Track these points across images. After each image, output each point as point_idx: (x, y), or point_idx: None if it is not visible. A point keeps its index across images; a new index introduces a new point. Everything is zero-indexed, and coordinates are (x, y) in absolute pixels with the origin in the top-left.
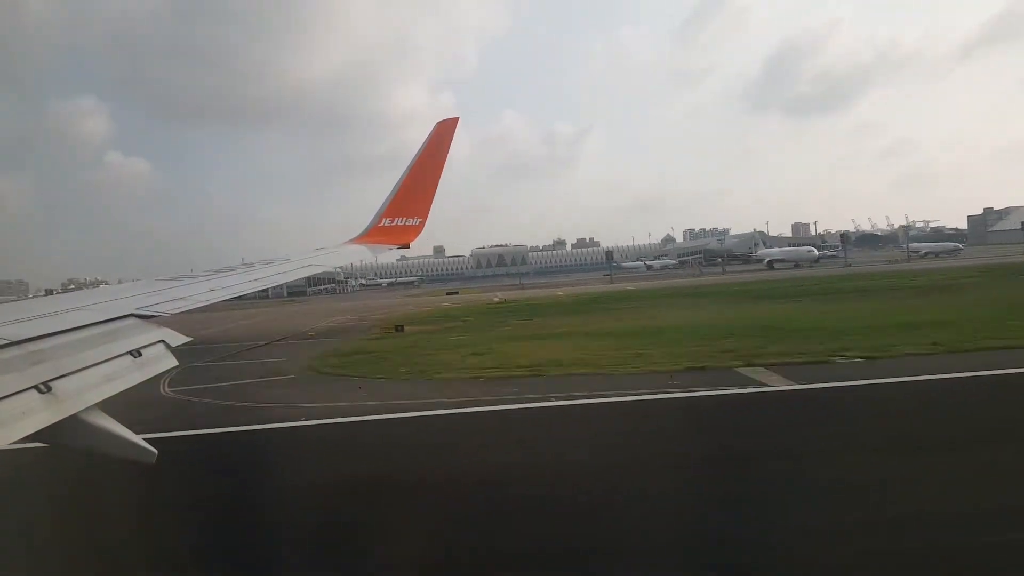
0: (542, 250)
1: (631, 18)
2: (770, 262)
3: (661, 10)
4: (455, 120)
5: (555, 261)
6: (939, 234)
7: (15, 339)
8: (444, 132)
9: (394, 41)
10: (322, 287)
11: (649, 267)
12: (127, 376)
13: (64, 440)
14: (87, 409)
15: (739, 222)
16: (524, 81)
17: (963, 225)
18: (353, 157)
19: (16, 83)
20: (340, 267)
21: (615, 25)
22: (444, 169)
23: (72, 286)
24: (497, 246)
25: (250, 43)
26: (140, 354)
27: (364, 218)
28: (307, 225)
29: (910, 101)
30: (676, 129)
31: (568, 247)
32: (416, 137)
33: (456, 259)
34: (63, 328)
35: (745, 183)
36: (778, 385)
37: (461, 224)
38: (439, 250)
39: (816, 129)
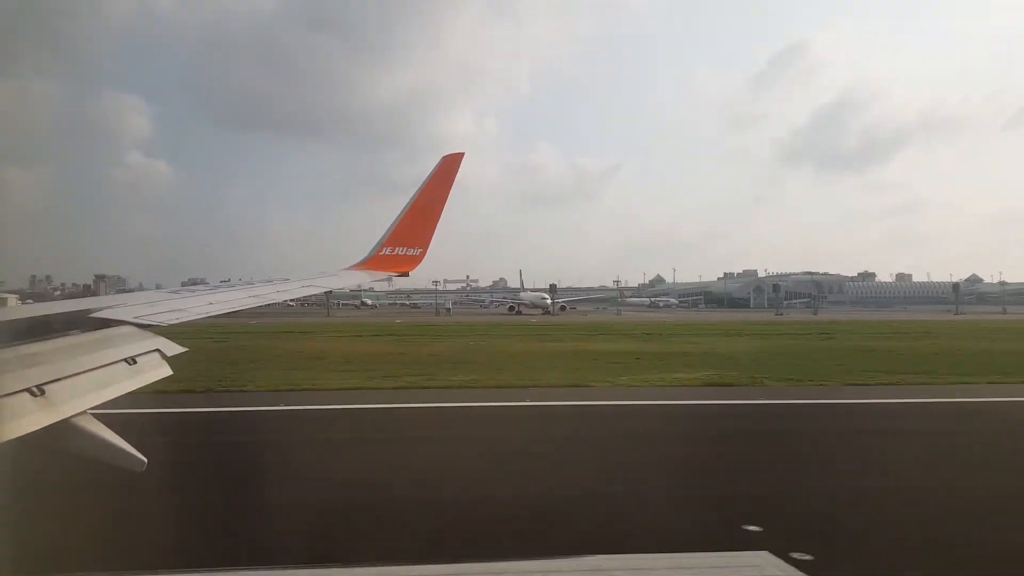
0: (852, 280)
1: (709, 60)
2: None
3: (743, 55)
4: (461, 155)
5: (869, 292)
6: None
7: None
8: (450, 166)
9: (466, 64)
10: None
11: None
12: (121, 383)
13: (54, 444)
14: (79, 414)
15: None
16: (574, 112)
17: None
18: (394, 177)
19: (80, 76)
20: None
21: (690, 65)
22: (470, 202)
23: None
24: (808, 273)
25: (337, 55)
26: (135, 362)
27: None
28: (336, 242)
29: (948, 164)
30: (713, 171)
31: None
32: None
33: (747, 283)
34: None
35: (757, 229)
36: None
37: (495, 248)
38: (731, 275)
39: (845, 185)
